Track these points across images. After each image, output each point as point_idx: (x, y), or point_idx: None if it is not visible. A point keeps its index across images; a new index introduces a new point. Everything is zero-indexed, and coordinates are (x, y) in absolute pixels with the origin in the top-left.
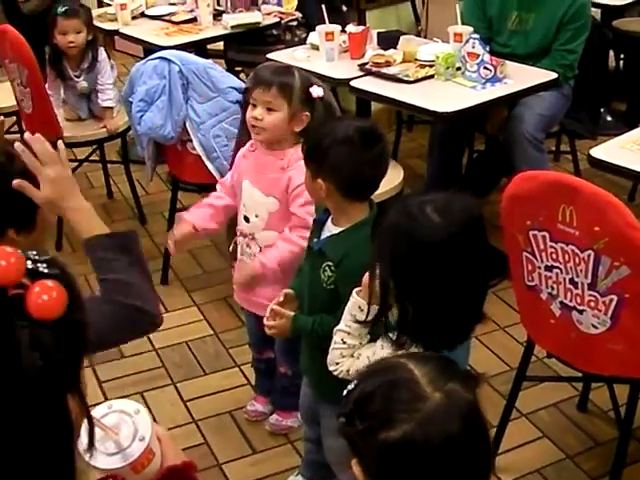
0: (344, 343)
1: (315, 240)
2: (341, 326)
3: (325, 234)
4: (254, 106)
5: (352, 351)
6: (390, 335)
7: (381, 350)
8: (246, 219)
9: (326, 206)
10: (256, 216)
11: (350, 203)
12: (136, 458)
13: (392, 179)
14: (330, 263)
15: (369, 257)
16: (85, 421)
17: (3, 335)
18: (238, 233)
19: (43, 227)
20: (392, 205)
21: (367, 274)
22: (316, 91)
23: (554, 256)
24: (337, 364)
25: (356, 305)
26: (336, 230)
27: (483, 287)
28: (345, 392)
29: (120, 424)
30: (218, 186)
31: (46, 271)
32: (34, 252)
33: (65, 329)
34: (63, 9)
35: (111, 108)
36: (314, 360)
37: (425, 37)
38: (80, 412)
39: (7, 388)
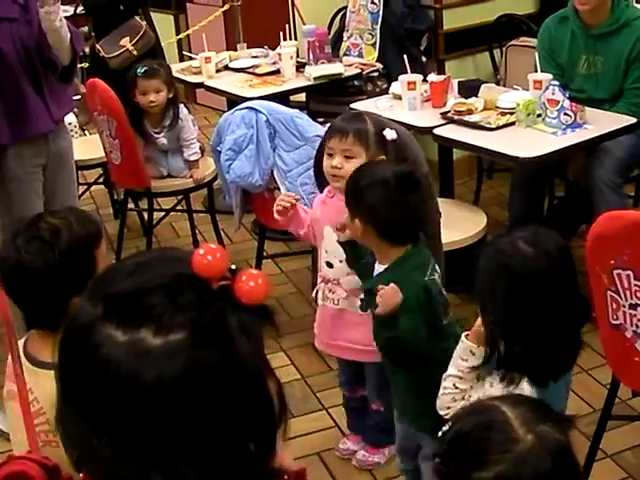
0: (456, 388)
1: (364, 282)
2: (452, 372)
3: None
4: (330, 155)
5: (463, 394)
6: (497, 372)
7: (491, 388)
8: (329, 265)
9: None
10: (340, 261)
11: (387, 245)
12: None
13: (475, 225)
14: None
15: (414, 289)
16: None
17: (218, 323)
18: (320, 279)
19: None
20: (482, 252)
21: (479, 319)
22: (390, 134)
23: (639, 294)
24: (448, 408)
25: (467, 350)
26: (381, 268)
27: (580, 313)
28: (440, 433)
29: None
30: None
31: (233, 266)
32: None
33: (262, 313)
34: (143, 69)
35: (197, 161)
36: (407, 397)
37: (504, 85)
38: (276, 395)
39: (225, 375)
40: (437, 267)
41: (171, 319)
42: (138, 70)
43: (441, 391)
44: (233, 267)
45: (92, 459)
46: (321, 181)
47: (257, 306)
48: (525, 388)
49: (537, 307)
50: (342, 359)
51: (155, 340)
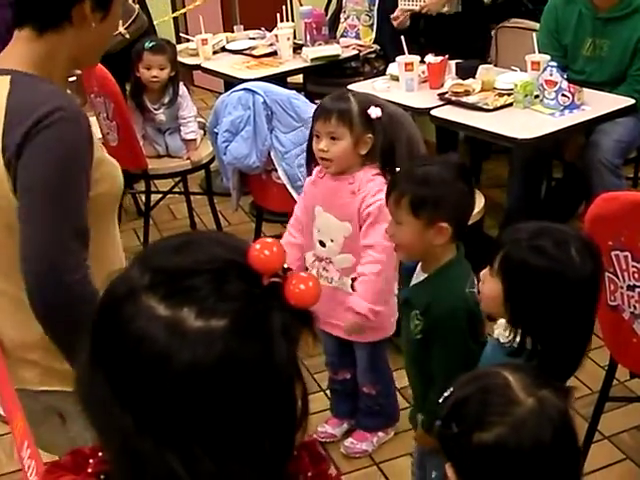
0: None
1: (402, 290)
2: None
3: (413, 282)
4: (318, 137)
5: None
6: None
7: None
8: (322, 244)
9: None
10: (332, 240)
11: (451, 244)
12: None
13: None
14: (417, 312)
15: (456, 301)
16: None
17: (261, 320)
18: (313, 257)
19: (112, 24)
20: (515, 242)
21: None
22: (374, 112)
23: (636, 276)
24: None
25: None
26: (423, 276)
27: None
28: (442, 399)
29: None
30: (290, 227)
31: (287, 265)
32: None
33: (305, 318)
34: (151, 44)
35: (194, 140)
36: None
37: (496, 66)
38: (301, 401)
39: (258, 372)
40: (475, 280)
41: (215, 304)
42: (146, 44)
43: None
44: (287, 266)
45: (110, 426)
46: (311, 168)
47: (302, 310)
48: None
49: (570, 314)
50: (328, 339)
51: (196, 322)
